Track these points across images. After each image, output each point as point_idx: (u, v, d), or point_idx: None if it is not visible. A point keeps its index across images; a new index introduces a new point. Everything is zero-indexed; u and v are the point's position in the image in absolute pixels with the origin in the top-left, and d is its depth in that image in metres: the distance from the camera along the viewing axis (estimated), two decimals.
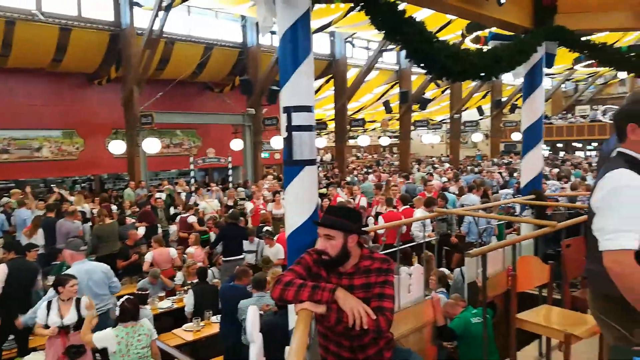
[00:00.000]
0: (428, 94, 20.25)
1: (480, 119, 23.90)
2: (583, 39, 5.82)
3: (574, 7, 5.54)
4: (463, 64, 4.09)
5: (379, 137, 20.99)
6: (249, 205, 10.18)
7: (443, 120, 24.11)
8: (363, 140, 19.26)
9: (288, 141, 3.38)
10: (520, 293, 3.62)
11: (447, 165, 20.45)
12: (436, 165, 20.41)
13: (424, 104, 18.73)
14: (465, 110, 22.86)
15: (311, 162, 3.44)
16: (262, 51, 15.36)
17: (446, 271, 5.47)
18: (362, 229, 2.34)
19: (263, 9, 3.50)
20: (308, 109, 3.38)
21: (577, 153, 25.58)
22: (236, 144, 14.79)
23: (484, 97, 23.75)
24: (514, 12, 5.40)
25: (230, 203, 10.71)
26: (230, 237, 7.22)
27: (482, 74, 4.35)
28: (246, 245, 7.45)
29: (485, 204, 6.89)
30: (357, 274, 2.22)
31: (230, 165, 14.61)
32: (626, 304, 1.97)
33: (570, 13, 5.50)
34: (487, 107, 23.54)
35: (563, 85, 26.78)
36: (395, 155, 28.71)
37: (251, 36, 15.39)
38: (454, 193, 10.67)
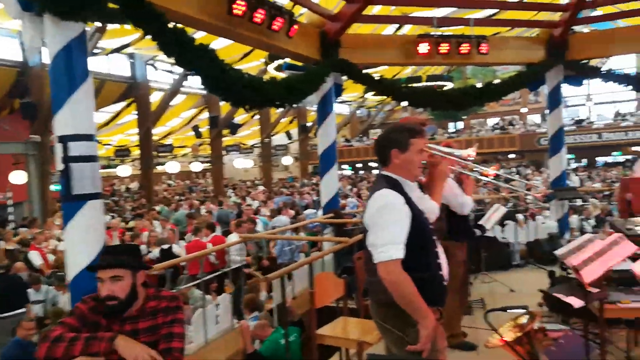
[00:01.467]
0: (238, 119, 20.55)
1: (289, 143, 25.19)
2: (370, 71, 6.60)
3: (354, 43, 6.26)
4: (258, 93, 4.23)
5: (190, 163, 20.43)
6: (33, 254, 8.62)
7: (254, 144, 24.72)
8: (172, 167, 18.50)
9: (65, 174, 3.01)
10: (324, 308, 3.83)
11: (260, 188, 20.96)
12: (250, 190, 20.73)
13: (234, 128, 18.93)
14: (275, 134, 23.85)
15: (94, 195, 3.11)
16: (47, 71, 13.61)
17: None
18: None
19: (29, 27, 3.08)
20: (89, 137, 3.07)
21: (375, 172, 28.92)
22: (18, 177, 12.74)
23: (291, 122, 25.14)
24: (303, 45, 5.86)
25: (10, 247, 9.08)
26: None
27: (277, 102, 4.56)
28: (32, 294, 6.40)
29: (293, 225, 7.21)
30: (142, 317, 2.06)
31: (10, 202, 12.51)
32: (400, 309, 2.22)
33: (352, 48, 6.20)
34: (295, 131, 24.97)
35: (358, 111, 30.04)
36: (209, 180, 28.30)
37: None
38: (265, 215, 10.93)
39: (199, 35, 6.35)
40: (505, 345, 2.38)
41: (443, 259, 2.45)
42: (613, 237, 3.07)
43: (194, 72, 4.01)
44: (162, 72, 18.19)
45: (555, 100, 7.60)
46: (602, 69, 7.62)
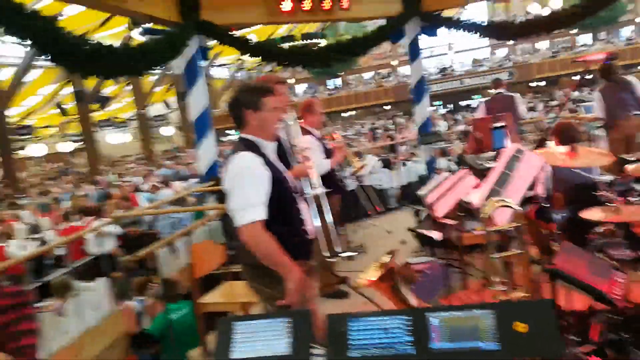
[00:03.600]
0: (107, 91, 18.92)
1: (168, 113, 23.92)
2: (243, 32, 6.37)
3: (216, 3, 5.96)
4: (109, 61, 3.87)
5: (57, 144, 18.56)
6: None
7: (130, 117, 23.11)
8: (37, 150, 16.66)
9: None
10: (210, 276, 3.78)
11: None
12: (131, 166, 19.48)
13: (103, 102, 17.44)
14: (151, 105, 22.44)
15: None
16: None
17: None
18: None
19: None
20: None
21: None
22: None
23: (168, 90, 23.80)
24: (161, 7, 5.46)
25: None
26: None
27: (135, 70, 4.23)
28: None
29: (172, 197, 6.94)
30: None
31: None
32: (267, 268, 2.25)
33: (214, 8, 5.91)
34: (174, 99, 23.72)
35: (238, 74, 29.27)
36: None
37: None
38: (148, 191, 10.42)
39: (46, 3, 5.62)
40: (371, 284, 2.55)
41: (307, 215, 2.51)
42: (460, 172, 3.39)
43: (29, 42, 3.54)
44: (11, 45, 15.93)
45: (415, 51, 8.01)
46: (456, 19, 8.17)
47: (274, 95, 2.37)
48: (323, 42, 14.06)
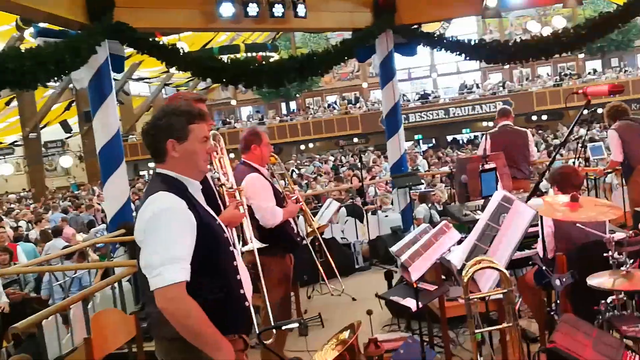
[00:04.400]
0: None
1: (67, 137, 23.46)
2: (171, 38, 6.42)
3: (134, 2, 6.03)
4: None
5: None
6: None
7: (15, 142, 22.48)
8: None
9: None
10: (112, 357, 3.64)
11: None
12: (12, 207, 18.82)
13: None
14: (45, 126, 21.98)
15: None
16: None
17: None
18: None
19: None
20: None
21: None
22: None
23: (68, 108, 23.39)
24: (64, 4, 5.47)
25: None
26: None
27: (22, 82, 4.19)
28: None
29: (68, 249, 6.74)
30: None
31: None
32: (188, 344, 2.21)
33: (131, 8, 5.97)
34: (75, 120, 23.33)
35: (163, 91, 29.25)
36: None
37: None
38: (35, 240, 10.11)
39: None
40: None
41: (244, 275, 2.51)
42: (440, 225, 3.50)
43: None
44: None
45: (388, 72, 8.34)
46: (437, 35, 8.59)
47: (205, 121, 2.41)
48: (274, 56, 14.40)
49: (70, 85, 17.91)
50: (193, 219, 2.25)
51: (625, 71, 27.19)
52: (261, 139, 4.27)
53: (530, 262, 4.03)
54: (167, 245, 2.17)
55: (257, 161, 4.27)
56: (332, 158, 24.16)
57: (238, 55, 13.49)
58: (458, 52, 8.27)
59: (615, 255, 3.08)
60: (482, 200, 4.96)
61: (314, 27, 8.43)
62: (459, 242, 3.30)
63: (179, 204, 2.24)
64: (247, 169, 4.20)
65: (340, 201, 9.11)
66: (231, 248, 2.46)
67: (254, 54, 15.10)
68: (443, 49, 8.25)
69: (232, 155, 5.29)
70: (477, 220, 4.20)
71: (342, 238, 7.90)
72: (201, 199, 2.42)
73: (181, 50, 6.52)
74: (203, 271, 2.24)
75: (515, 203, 2.69)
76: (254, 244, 3.51)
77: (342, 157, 24.04)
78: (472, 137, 28.42)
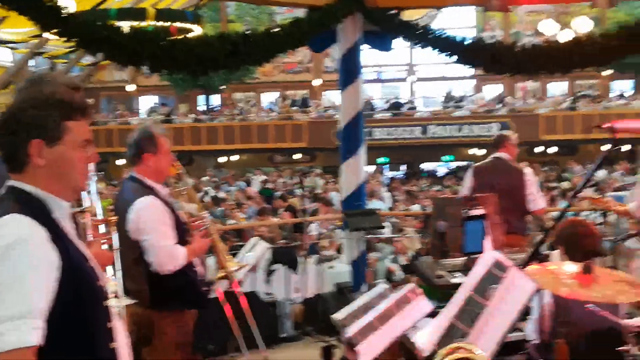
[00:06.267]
0: None
1: None
2: None
3: None
4: None
5: None
6: None
7: None
8: None
9: None
10: None
11: None
12: None
13: None
14: None
15: None
16: None
17: None
18: None
19: None
20: None
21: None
22: None
23: None
24: None
25: None
26: None
27: None
28: None
29: None
30: None
31: None
32: None
33: None
34: None
35: (32, 62, 28.64)
36: None
37: None
38: None
39: None
40: None
41: (122, 341, 2.46)
42: (405, 289, 3.51)
43: None
44: None
45: (351, 69, 8.42)
46: (420, 26, 8.73)
47: (86, 117, 2.35)
48: (196, 31, 14.30)
49: None
50: (55, 256, 2.18)
51: None
52: (158, 146, 4.16)
53: (518, 350, 4.08)
54: (13, 293, 2.10)
55: (152, 176, 4.16)
56: (262, 178, 23.94)
57: (144, 24, 13.35)
58: (446, 52, 8.42)
59: (634, 350, 3.16)
60: (464, 259, 5.03)
61: None
62: (431, 314, 3.31)
63: (37, 233, 2.17)
64: (137, 188, 4.10)
65: (271, 241, 9.06)
66: (105, 303, 2.39)
67: (167, 23, 14.93)
68: (427, 46, 8.39)
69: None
70: (455, 285, 4.27)
71: (266, 294, 7.83)
72: (71, 229, 2.35)
73: (63, 9, 6.39)
74: (62, 334, 2.18)
75: (511, 272, 2.72)
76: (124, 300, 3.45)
77: (279, 180, 23.89)
78: (456, 168, 28.58)
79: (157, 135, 4.17)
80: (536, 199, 6.68)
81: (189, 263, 4.17)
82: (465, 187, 6.86)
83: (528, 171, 6.79)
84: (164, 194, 4.24)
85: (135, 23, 13.34)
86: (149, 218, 3.96)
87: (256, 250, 6.45)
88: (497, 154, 6.70)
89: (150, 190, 4.08)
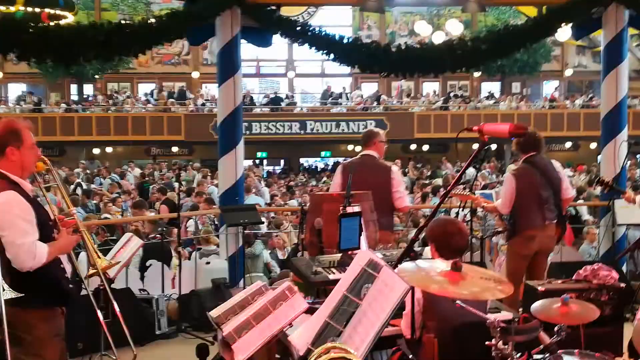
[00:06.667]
0: None
1: None
2: None
3: None
4: None
5: None
6: None
7: None
8: None
9: None
10: None
11: None
12: None
13: None
14: None
15: None
16: None
17: None
18: None
19: None
20: None
21: None
22: None
23: None
24: None
25: None
26: None
27: None
28: None
29: None
30: None
31: None
32: None
33: None
34: None
35: None
36: None
37: None
38: None
39: None
40: None
41: None
42: (280, 288, 3.51)
43: None
44: None
45: (229, 63, 8.37)
46: (300, 24, 8.77)
47: None
48: (68, 18, 13.82)
49: None
50: None
51: (529, 100, 29.72)
52: (21, 138, 4.00)
53: (392, 346, 4.15)
54: None
55: (16, 171, 4.00)
56: (138, 171, 23.37)
57: (12, 9, 12.77)
58: (324, 51, 8.51)
59: (500, 344, 3.29)
60: (340, 255, 5.07)
61: None
62: (308, 311, 3.31)
63: None
64: (1, 183, 3.94)
65: (144, 236, 8.87)
66: None
67: (38, 9, 14.31)
68: (305, 43, 8.45)
69: None
70: (332, 281, 4.30)
71: (140, 290, 7.68)
72: None
73: None
74: None
75: (383, 272, 2.77)
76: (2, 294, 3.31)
77: (155, 172, 23.36)
78: (334, 164, 28.84)
79: (19, 127, 4.01)
80: (402, 197, 6.74)
81: (55, 260, 4.06)
82: (335, 183, 6.86)
83: (395, 169, 6.82)
84: (29, 189, 4.09)
85: (3, 8, 12.76)
86: (8, 214, 3.82)
87: (130, 246, 6.29)
88: (366, 152, 6.73)
89: (14, 186, 3.93)
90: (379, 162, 6.79)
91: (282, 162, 30.81)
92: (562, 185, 6.63)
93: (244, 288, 5.47)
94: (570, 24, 8.89)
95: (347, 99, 29.99)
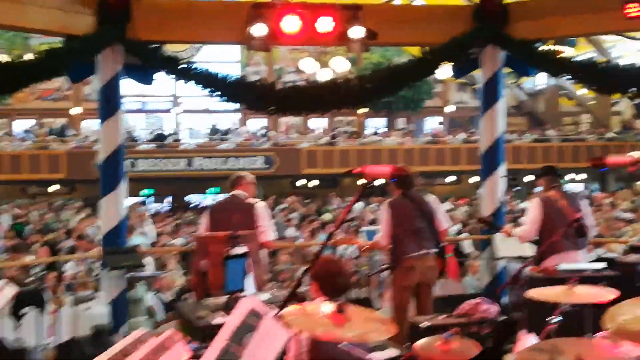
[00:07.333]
0: None
1: None
2: None
3: None
4: None
5: None
6: None
7: None
8: None
9: None
10: None
11: None
12: None
13: None
14: None
15: None
16: None
17: None
18: None
19: None
20: None
21: None
22: None
23: None
24: None
25: None
26: None
27: None
28: None
29: None
30: None
31: None
32: None
33: None
34: None
35: None
36: None
37: None
38: None
39: None
40: None
41: None
42: (163, 336, 3.42)
43: None
44: None
45: (111, 101, 8.22)
46: (183, 62, 8.69)
47: None
48: None
49: None
50: None
51: (413, 135, 30.53)
52: None
53: None
54: None
55: None
56: (15, 212, 22.38)
57: None
58: (209, 89, 8.47)
59: None
60: (226, 298, 5.02)
61: (6, 24, 7.96)
62: (194, 357, 3.24)
63: None
64: None
65: (20, 283, 8.51)
66: None
67: None
68: (189, 81, 8.40)
69: None
70: (216, 326, 4.24)
71: (15, 340, 7.37)
72: None
73: None
74: None
75: (265, 320, 2.74)
76: None
77: (31, 213, 22.41)
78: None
79: None
80: (266, 231, 6.89)
81: None
82: (203, 225, 6.98)
83: (260, 205, 7.02)
84: None
85: None
86: None
87: (3, 295, 6.00)
88: (233, 192, 6.94)
89: None
90: (245, 200, 6.93)
91: (168, 199, 30.25)
92: (436, 217, 6.90)
93: (128, 334, 5.32)
94: (451, 64, 9.28)
95: (235, 134, 29.85)
